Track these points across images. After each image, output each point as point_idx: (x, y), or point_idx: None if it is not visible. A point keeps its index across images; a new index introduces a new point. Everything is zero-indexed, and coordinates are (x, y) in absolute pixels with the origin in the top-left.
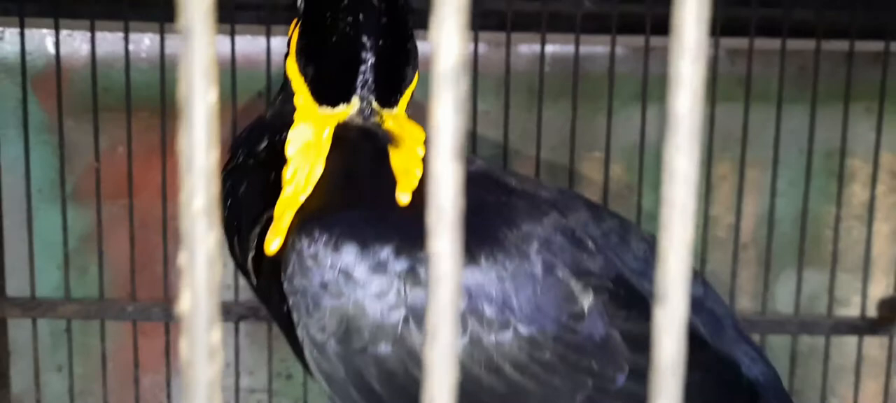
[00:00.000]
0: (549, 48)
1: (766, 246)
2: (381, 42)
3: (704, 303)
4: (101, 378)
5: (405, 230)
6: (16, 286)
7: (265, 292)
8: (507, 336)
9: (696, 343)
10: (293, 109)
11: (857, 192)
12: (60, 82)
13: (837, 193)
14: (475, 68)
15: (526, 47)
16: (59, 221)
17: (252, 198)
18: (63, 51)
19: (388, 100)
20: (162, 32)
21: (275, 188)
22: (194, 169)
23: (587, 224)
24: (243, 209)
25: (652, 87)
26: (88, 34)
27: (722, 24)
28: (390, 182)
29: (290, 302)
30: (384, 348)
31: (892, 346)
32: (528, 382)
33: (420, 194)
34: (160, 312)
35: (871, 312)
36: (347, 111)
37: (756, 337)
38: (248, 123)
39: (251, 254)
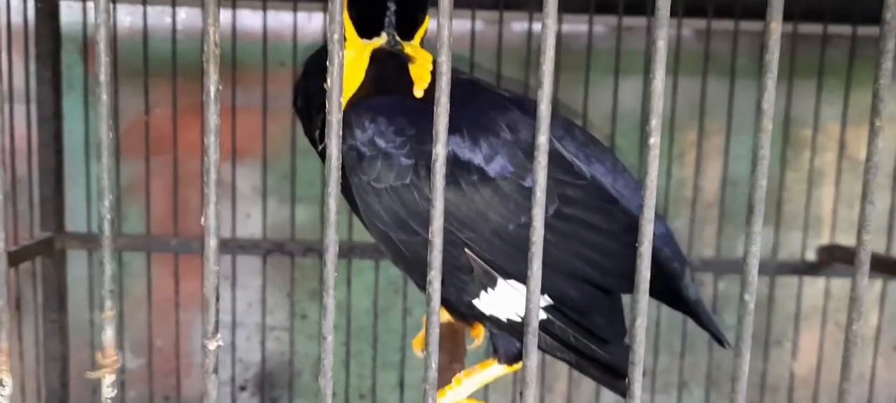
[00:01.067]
0: (538, 26)
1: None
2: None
3: (626, 177)
4: (147, 309)
5: (416, 110)
6: (72, 224)
7: (322, 153)
8: (475, 177)
9: (607, 196)
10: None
11: (805, 157)
12: (115, 49)
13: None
14: (472, 43)
15: (517, 25)
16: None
17: (317, 94)
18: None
19: (409, 34)
20: (202, 6)
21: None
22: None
23: (530, 119)
24: (313, 100)
25: (626, 61)
26: (131, 7)
27: (685, 6)
28: (409, 84)
29: (344, 158)
30: (403, 184)
31: (829, 288)
32: (488, 209)
33: (428, 91)
34: (198, 245)
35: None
36: (380, 42)
37: (711, 277)
38: (313, 52)
39: (317, 131)
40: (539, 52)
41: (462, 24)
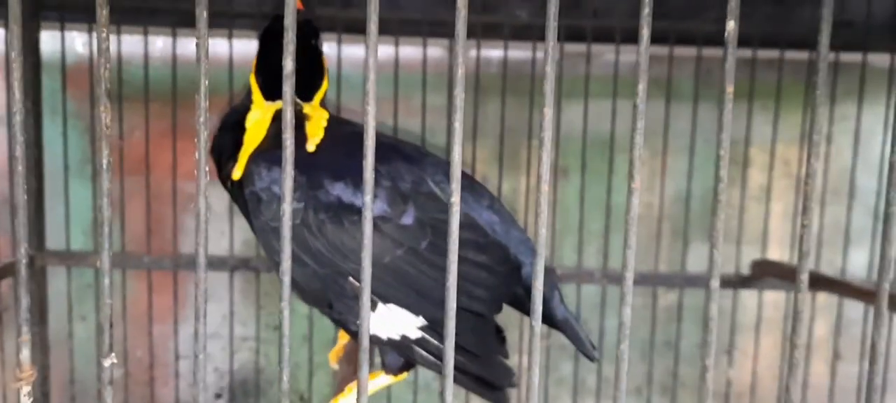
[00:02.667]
0: (492, 53)
1: (672, 220)
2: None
3: (502, 215)
4: (122, 324)
5: (308, 162)
6: (52, 242)
7: (236, 198)
8: (356, 217)
9: (480, 232)
10: (251, 102)
11: (754, 176)
12: (93, 76)
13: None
14: (424, 69)
15: (474, 52)
16: (83, 192)
17: (228, 147)
18: (89, 51)
19: (309, 96)
20: (173, 36)
21: (240, 142)
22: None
23: (426, 168)
24: (224, 151)
25: (569, 87)
26: (113, 37)
27: (621, 33)
28: (304, 139)
29: (247, 202)
30: (293, 222)
31: (761, 299)
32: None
33: (319, 145)
34: (169, 262)
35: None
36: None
37: (650, 289)
38: (229, 107)
39: (227, 177)
40: (491, 78)
41: (413, 51)
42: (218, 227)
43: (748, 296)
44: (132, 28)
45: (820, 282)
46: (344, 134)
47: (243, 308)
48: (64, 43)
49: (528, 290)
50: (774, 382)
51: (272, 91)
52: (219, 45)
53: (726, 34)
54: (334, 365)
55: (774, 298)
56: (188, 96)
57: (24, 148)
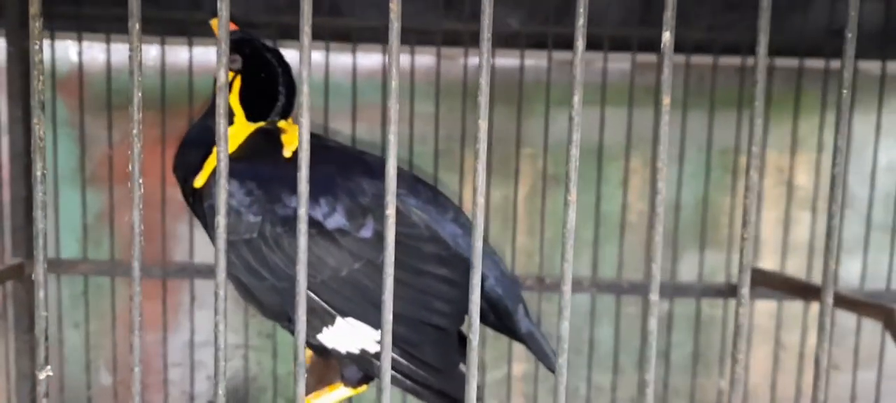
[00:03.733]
0: (473, 60)
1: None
2: (283, 92)
3: (466, 228)
4: (111, 332)
5: (265, 175)
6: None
7: (196, 212)
8: (314, 230)
9: (443, 245)
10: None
11: (729, 181)
12: (82, 85)
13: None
14: (412, 77)
15: (462, 59)
16: (75, 201)
17: (195, 163)
18: (85, 59)
19: (286, 115)
20: (162, 45)
21: (206, 157)
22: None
23: (373, 177)
24: (188, 170)
25: (558, 94)
26: (103, 45)
27: (610, 42)
28: (279, 148)
29: (206, 215)
30: (250, 236)
31: (752, 309)
32: (328, 256)
33: (293, 155)
34: (159, 271)
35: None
36: (261, 124)
37: (641, 298)
38: (195, 122)
39: (189, 193)
40: (474, 86)
41: (402, 59)
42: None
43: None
44: (122, 37)
45: (811, 292)
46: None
47: (234, 316)
48: (54, 52)
49: (491, 304)
50: (767, 391)
51: (254, 113)
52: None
53: (663, 45)
54: None
55: (768, 307)
56: (179, 104)
57: (13, 158)
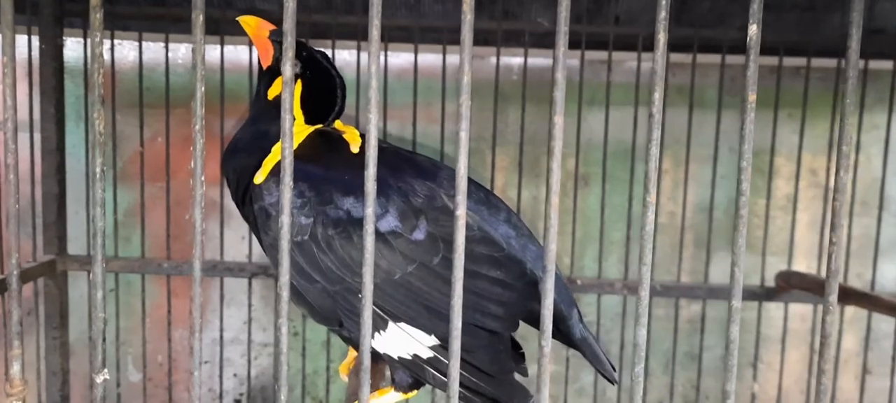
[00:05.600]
0: (514, 60)
1: (695, 230)
2: (340, 96)
3: (520, 229)
4: (141, 329)
5: (317, 176)
6: (74, 247)
7: (246, 213)
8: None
9: (496, 246)
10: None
11: (780, 186)
12: (114, 83)
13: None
14: (444, 76)
15: (494, 58)
16: (106, 198)
17: (242, 170)
18: (116, 57)
19: (338, 117)
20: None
21: (259, 163)
22: None
23: (441, 182)
24: (242, 174)
25: (590, 93)
26: (134, 43)
27: (643, 42)
28: (336, 150)
29: (256, 217)
30: (302, 238)
31: (787, 311)
32: (381, 259)
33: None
34: (188, 268)
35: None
36: (319, 126)
37: (672, 300)
38: (244, 125)
39: (240, 198)
40: (513, 85)
41: (433, 58)
42: (239, 232)
43: (774, 308)
44: (155, 36)
45: (849, 296)
46: (360, 150)
47: (263, 314)
48: (86, 49)
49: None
50: (801, 395)
51: (313, 115)
52: (244, 52)
53: (749, 39)
54: (344, 377)
55: (801, 310)
56: (210, 102)
57: (44, 155)
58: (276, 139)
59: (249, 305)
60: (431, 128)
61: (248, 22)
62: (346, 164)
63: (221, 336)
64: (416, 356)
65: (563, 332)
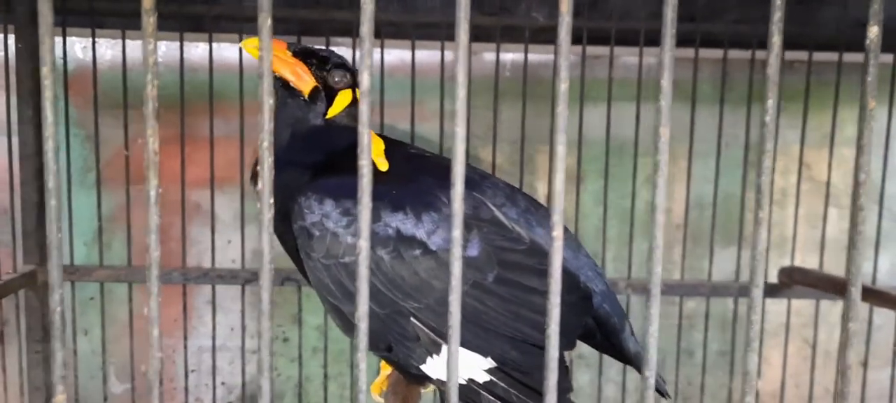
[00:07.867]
0: (506, 56)
1: (692, 225)
2: None
3: (568, 237)
4: (126, 339)
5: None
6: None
7: (281, 233)
8: (418, 251)
9: (547, 258)
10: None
11: (775, 180)
12: (96, 84)
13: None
14: (442, 72)
15: (490, 55)
16: (85, 203)
17: (294, 182)
18: (90, 56)
19: None
20: (181, 41)
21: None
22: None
23: (485, 191)
24: (287, 188)
25: (592, 89)
26: (112, 41)
27: (646, 36)
28: (396, 153)
29: (296, 237)
30: (349, 258)
31: (791, 307)
32: (431, 279)
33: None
34: (179, 276)
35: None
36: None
37: (676, 299)
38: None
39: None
40: (511, 82)
41: (432, 55)
42: (225, 236)
43: (773, 303)
44: (136, 33)
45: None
46: (398, 158)
47: (252, 320)
48: (65, 48)
49: (599, 322)
50: (799, 390)
51: None
52: (231, 50)
53: (868, 41)
54: (378, 398)
55: (797, 305)
56: (196, 102)
57: (22, 160)
58: (342, 154)
59: (243, 312)
60: (428, 126)
61: (246, 46)
62: (389, 178)
63: (214, 345)
64: (471, 380)
65: (615, 346)
